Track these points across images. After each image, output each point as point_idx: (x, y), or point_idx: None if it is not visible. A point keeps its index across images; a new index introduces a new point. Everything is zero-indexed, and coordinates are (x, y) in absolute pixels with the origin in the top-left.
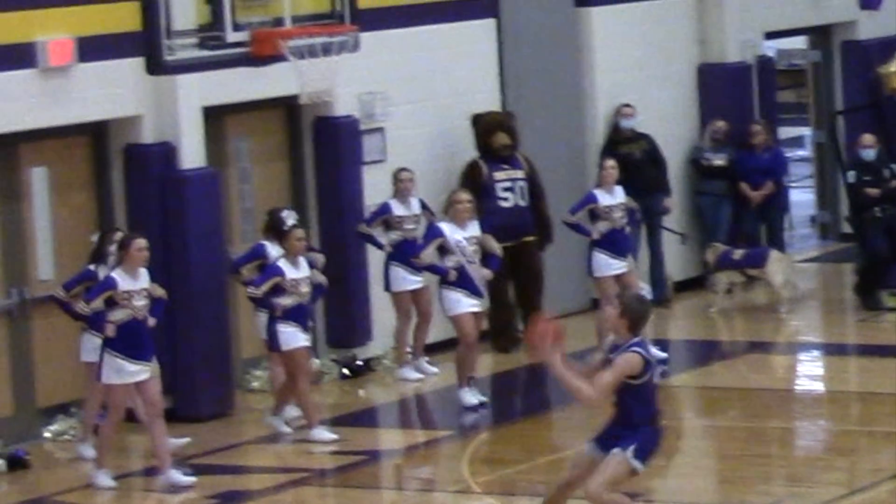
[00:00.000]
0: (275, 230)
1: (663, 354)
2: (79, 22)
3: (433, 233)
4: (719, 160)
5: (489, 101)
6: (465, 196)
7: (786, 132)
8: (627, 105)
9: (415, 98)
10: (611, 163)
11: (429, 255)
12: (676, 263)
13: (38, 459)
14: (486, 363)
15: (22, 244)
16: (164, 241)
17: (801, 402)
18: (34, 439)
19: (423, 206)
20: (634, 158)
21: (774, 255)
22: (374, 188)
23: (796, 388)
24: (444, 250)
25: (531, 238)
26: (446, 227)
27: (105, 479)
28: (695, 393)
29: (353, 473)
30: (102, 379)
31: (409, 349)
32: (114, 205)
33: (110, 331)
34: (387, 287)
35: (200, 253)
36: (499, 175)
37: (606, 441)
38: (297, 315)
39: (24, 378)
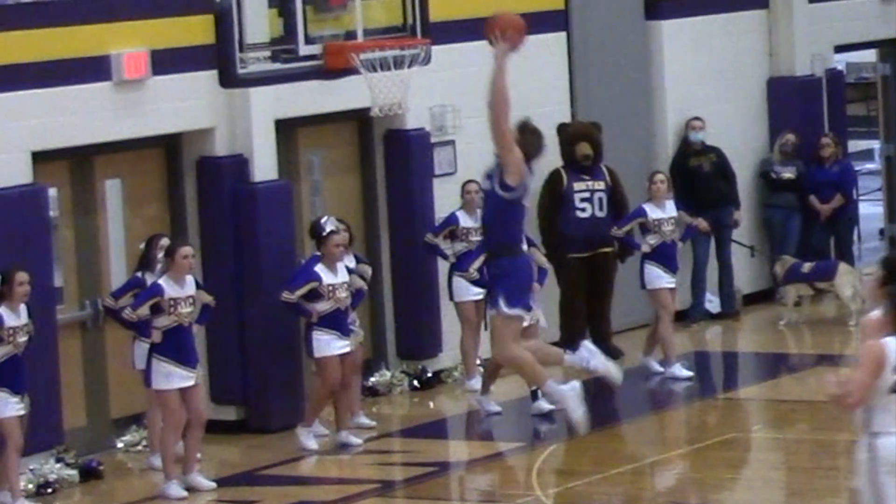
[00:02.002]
0: (314, 236)
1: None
2: (153, 35)
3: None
4: (788, 173)
5: (559, 115)
6: None
7: (855, 145)
8: (697, 118)
9: (485, 111)
10: (660, 176)
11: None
12: (745, 276)
13: (110, 470)
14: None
15: (96, 256)
16: (235, 252)
17: None
18: (107, 450)
19: None
20: (704, 171)
21: (843, 268)
22: (445, 201)
23: None
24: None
25: (608, 249)
26: None
27: (176, 490)
28: (764, 406)
29: (422, 485)
30: (153, 384)
31: (478, 361)
32: (186, 217)
33: (156, 337)
34: (451, 297)
35: (272, 265)
36: (578, 185)
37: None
38: (335, 321)
39: (97, 389)
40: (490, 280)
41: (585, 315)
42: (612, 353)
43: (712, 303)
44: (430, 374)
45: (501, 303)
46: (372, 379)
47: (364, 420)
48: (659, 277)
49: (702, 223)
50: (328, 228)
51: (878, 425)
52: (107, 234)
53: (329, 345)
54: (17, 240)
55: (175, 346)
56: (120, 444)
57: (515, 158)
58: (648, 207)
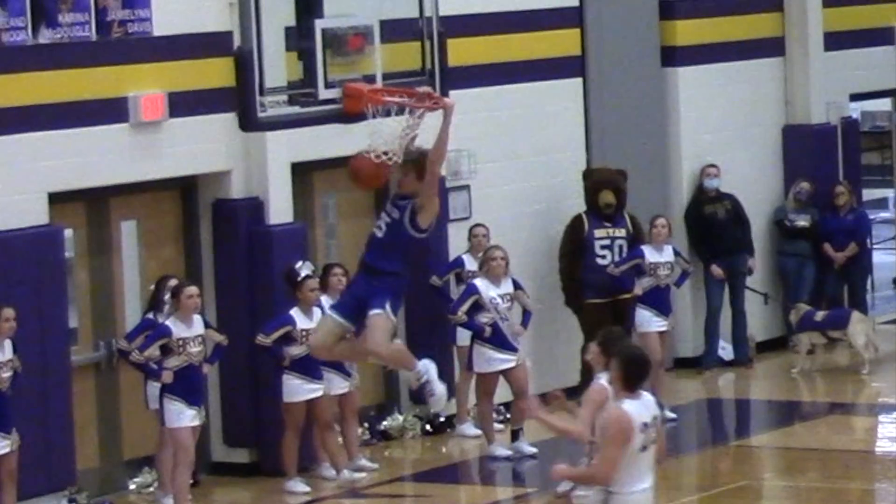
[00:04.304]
0: (289, 282)
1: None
2: (171, 77)
3: (469, 290)
4: (803, 221)
5: (575, 160)
6: (499, 252)
7: (869, 194)
8: (712, 165)
9: (501, 156)
10: (661, 221)
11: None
12: (759, 323)
13: None
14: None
15: (111, 297)
16: (250, 295)
17: (882, 463)
18: (119, 491)
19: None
20: (718, 218)
21: (856, 316)
22: (461, 245)
23: (877, 449)
24: (478, 307)
25: (627, 296)
26: (481, 284)
27: None
28: (776, 453)
29: None
30: (166, 423)
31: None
32: (202, 259)
33: (167, 377)
34: (453, 339)
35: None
36: (598, 232)
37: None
38: (306, 366)
39: (110, 430)
40: (375, 286)
41: None
42: None
43: (725, 350)
44: (442, 419)
45: (388, 308)
46: (384, 423)
47: (365, 462)
48: (649, 321)
49: (716, 270)
50: (303, 273)
51: (616, 484)
52: (122, 276)
53: (298, 389)
54: (32, 280)
55: (185, 386)
56: (132, 486)
57: (436, 206)
58: (647, 250)
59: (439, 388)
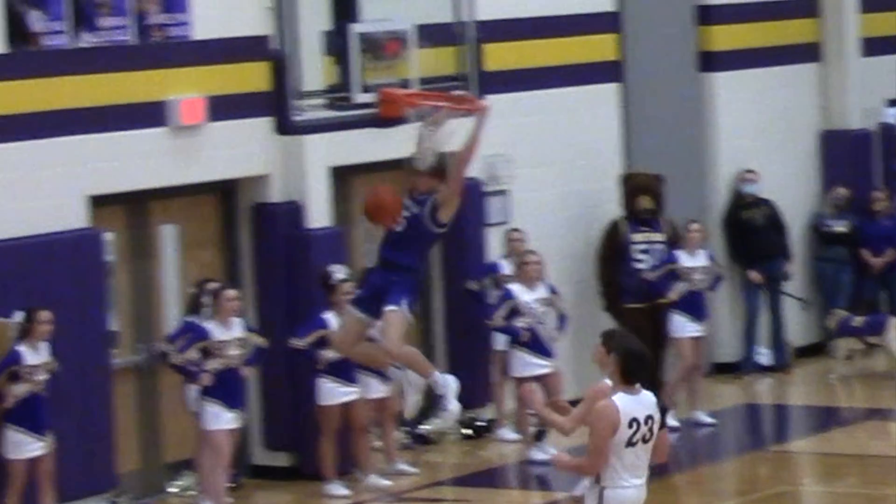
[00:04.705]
0: (324, 285)
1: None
2: (210, 81)
3: (505, 295)
4: (840, 227)
5: (613, 166)
6: (533, 257)
7: None
8: (750, 171)
9: (538, 161)
10: (696, 226)
11: (500, 316)
12: (797, 329)
13: None
14: None
15: (151, 300)
16: (289, 298)
17: None
18: (160, 494)
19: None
20: (756, 224)
21: (894, 322)
22: (498, 249)
23: None
24: (515, 312)
25: (664, 301)
26: (517, 289)
27: None
28: (813, 459)
29: None
30: (204, 425)
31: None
32: (241, 262)
33: (206, 380)
34: (491, 344)
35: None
36: (636, 237)
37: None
38: (341, 370)
39: (151, 433)
40: (391, 283)
41: None
42: (665, 403)
43: (764, 355)
44: (482, 423)
45: (404, 304)
46: (424, 427)
47: (405, 467)
48: (683, 327)
49: (754, 275)
50: (337, 277)
51: (606, 479)
52: (162, 279)
53: (333, 392)
54: (73, 283)
55: (223, 388)
56: (173, 489)
57: (457, 203)
58: (682, 255)
59: (454, 406)
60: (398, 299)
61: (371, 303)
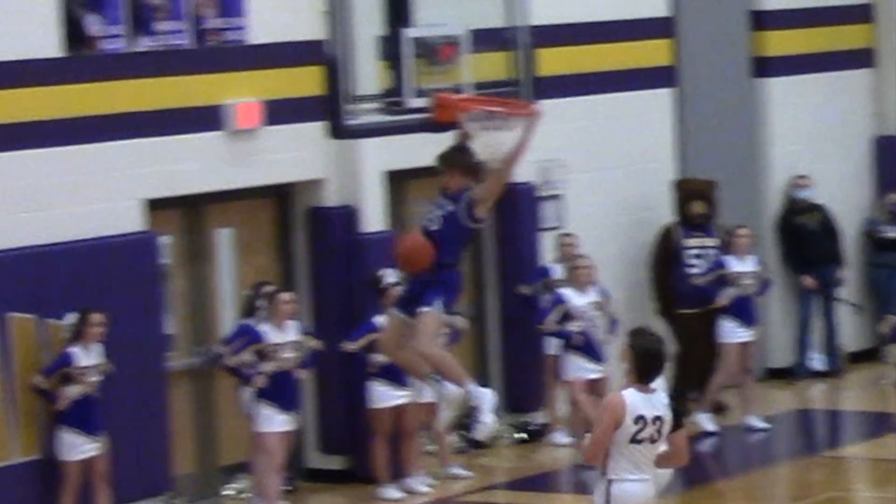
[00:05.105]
0: (374, 289)
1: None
2: (266, 86)
3: (557, 299)
4: (894, 233)
5: (666, 171)
6: (584, 261)
7: None
8: (803, 176)
9: (591, 166)
10: (743, 231)
11: (552, 321)
12: (850, 334)
13: None
14: None
15: (207, 304)
16: (344, 302)
17: None
18: (215, 497)
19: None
20: (809, 229)
21: None
22: (551, 254)
23: None
24: (568, 316)
25: (718, 306)
26: (568, 293)
27: None
28: (866, 464)
29: None
30: (257, 427)
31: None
32: (296, 266)
33: (260, 382)
34: (544, 348)
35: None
36: (690, 242)
37: None
38: (393, 373)
39: (206, 436)
40: (426, 285)
41: (696, 368)
42: (719, 407)
43: (817, 361)
44: (535, 427)
45: (437, 305)
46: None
47: (458, 470)
48: (732, 332)
49: (807, 281)
50: (387, 281)
51: (613, 472)
52: (217, 283)
53: (384, 395)
54: (129, 287)
55: (277, 391)
56: (228, 492)
57: (493, 200)
58: (731, 260)
59: (487, 419)
60: (431, 300)
61: (410, 303)
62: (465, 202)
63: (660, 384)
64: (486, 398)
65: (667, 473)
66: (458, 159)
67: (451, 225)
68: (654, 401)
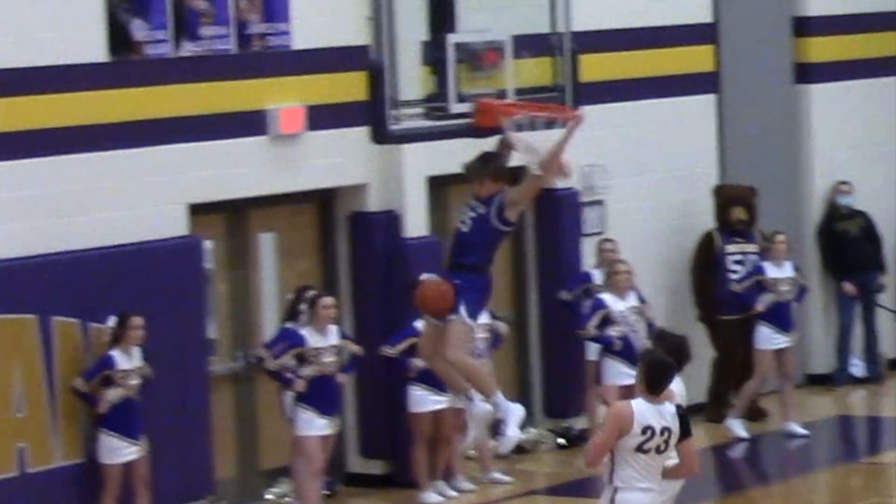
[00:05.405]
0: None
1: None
2: (309, 91)
3: (596, 304)
4: None
5: (707, 176)
6: (623, 266)
7: None
8: (845, 182)
9: (634, 171)
10: (780, 237)
11: (593, 326)
12: (891, 341)
13: None
14: (697, 435)
15: (249, 308)
16: (386, 307)
17: None
18: (256, 501)
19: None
20: (851, 235)
21: None
22: (592, 259)
23: None
24: (607, 321)
25: (755, 312)
26: (608, 298)
27: None
28: None
29: None
30: (296, 431)
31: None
32: (338, 271)
33: (300, 386)
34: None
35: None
36: (731, 248)
37: None
38: (432, 377)
39: (248, 440)
40: (455, 285)
41: (736, 375)
42: (758, 413)
43: (857, 367)
44: (575, 432)
45: (464, 313)
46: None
47: (498, 476)
48: (768, 339)
49: (848, 287)
50: None
51: (619, 480)
52: (260, 287)
53: (424, 400)
54: (172, 291)
55: (318, 395)
56: (269, 496)
57: (527, 204)
58: (768, 266)
59: (512, 433)
60: (456, 307)
61: None
62: (497, 204)
63: (678, 387)
64: (513, 412)
65: (676, 485)
66: (486, 167)
67: (480, 227)
68: (662, 411)
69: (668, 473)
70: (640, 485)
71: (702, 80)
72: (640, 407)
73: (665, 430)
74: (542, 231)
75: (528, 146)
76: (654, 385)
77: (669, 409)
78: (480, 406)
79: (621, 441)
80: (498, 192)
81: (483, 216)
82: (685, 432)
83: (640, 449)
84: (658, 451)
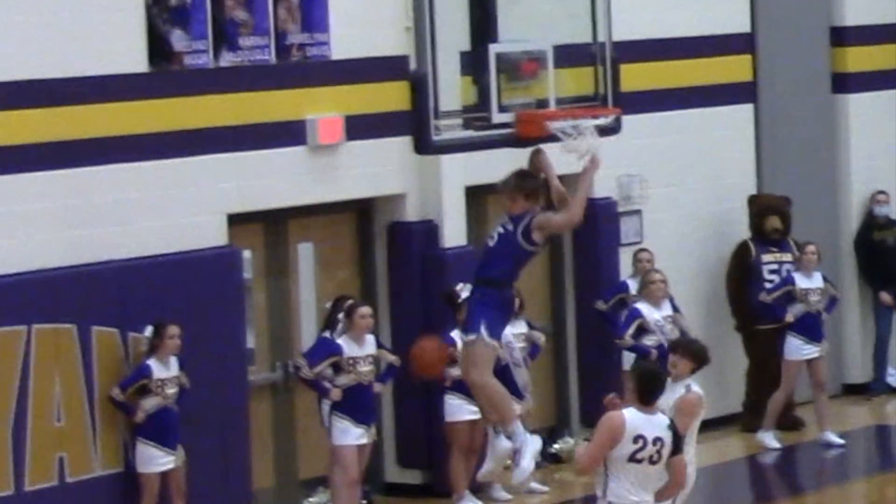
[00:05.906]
0: (450, 303)
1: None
2: (348, 101)
3: (632, 314)
4: None
5: (744, 186)
6: (657, 276)
7: None
8: (882, 192)
9: (671, 181)
10: (811, 247)
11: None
12: None
13: None
14: (732, 445)
15: (288, 318)
16: (424, 317)
17: None
18: None
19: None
20: (888, 245)
21: None
22: (628, 269)
23: None
24: (643, 330)
25: (785, 322)
26: (644, 307)
27: None
28: None
29: None
30: (332, 440)
31: None
32: (377, 281)
33: (336, 395)
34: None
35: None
36: (766, 257)
37: None
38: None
39: (286, 450)
40: (473, 305)
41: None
42: (794, 423)
43: (893, 376)
44: None
45: (483, 330)
46: (555, 446)
47: (535, 485)
48: (798, 349)
49: (884, 297)
50: (463, 296)
51: (612, 495)
52: (298, 297)
53: (459, 409)
54: (211, 301)
55: (354, 404)
56: None
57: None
58: (798, 277)
59: (526, 464)
60: (477, 326)
61: (467, 325)
62: (525, 224)
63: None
64: (529, 443)
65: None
66: (521, 185)
67: (505, 243)
68: (654, 421)
69: (659, 495)
70: (632, 497)
71: (739, 89)
72: (632, 416)
73: (657, 440)
74: (579, 241)
75: (571, 148)
76: (646, 396)
77: (663, 420)
78: (503, 442)
79: (614, 451)
80: (529, 210)
81: (510, 233)
82: (676, 448)
83: (632, 459)
84: (651, 461)
